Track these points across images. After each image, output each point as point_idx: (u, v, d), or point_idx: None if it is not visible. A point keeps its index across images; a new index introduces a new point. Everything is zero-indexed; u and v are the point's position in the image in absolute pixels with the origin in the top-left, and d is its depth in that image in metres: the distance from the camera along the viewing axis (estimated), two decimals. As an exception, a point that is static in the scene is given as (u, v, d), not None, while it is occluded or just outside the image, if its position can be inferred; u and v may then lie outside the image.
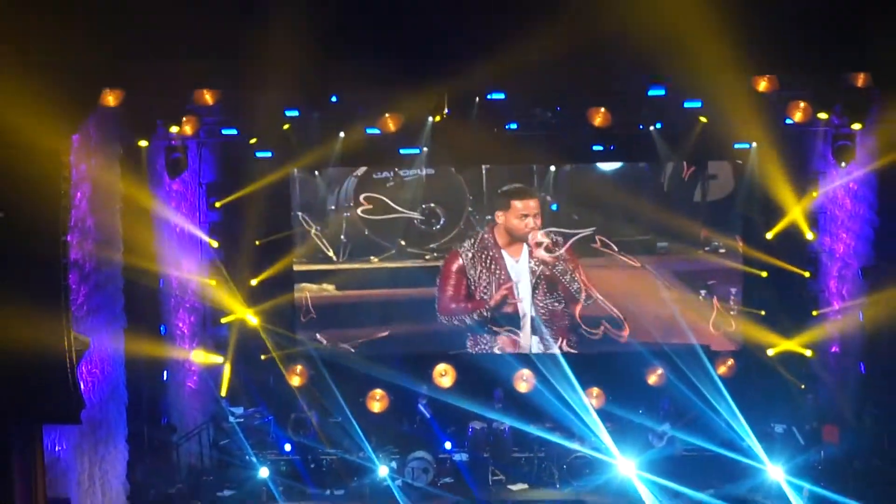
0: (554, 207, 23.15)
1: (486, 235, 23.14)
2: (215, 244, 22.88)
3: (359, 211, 23.19)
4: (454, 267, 23.28)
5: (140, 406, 20.10)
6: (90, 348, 16.38)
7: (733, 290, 23.22)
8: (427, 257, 23.37)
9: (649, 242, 23.15)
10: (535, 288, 23.16)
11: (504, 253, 23.13)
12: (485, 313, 23.22)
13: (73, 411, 14.65)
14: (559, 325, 23.28)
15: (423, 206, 23.29)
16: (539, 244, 22.90)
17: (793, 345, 22.26)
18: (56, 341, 14.18)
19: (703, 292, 23.21)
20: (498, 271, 23.16)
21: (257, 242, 22.88)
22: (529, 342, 23.31)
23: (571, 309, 23.22)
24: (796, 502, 18.96)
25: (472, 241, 23.20)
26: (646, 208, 22.83)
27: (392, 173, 23.19)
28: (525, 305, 23.23)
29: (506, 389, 22.68)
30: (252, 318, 22.83)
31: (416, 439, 22.03)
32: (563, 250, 23.02)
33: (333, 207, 23.34)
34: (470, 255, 23.16)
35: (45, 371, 14.08)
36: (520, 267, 23.15)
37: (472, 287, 23.22)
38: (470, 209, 23.26)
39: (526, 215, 22.92)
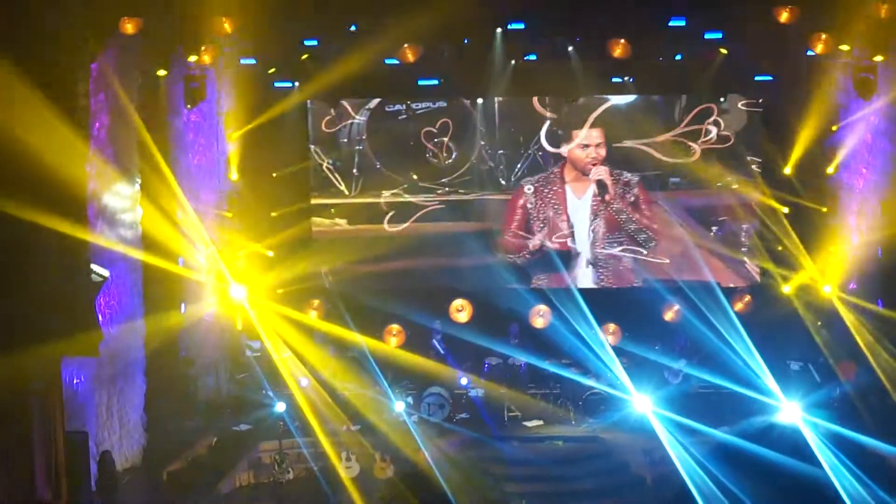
0: (566, 142, 23.04)
1: (555, 170, 23.00)
2: (235, 175, 22.73)
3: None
4: (519, 203, 23.19)
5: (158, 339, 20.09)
6: (108, 280, 16.32)
7: (745, 227, 23.12)
8: (439, 191, 23.21)
9: (661, 177, 23.01)
10: (593, 227, 23.05)
11: (568, 189, 22.99)
12: (536, 252, 23.14)
13: (91, 343, 14.59)
14: (618, 268, 23.25)
15: (436, 139, 23.10)
16: (598, 182, 22.78)
17: (810, 281, 22.12)
18: (75, 273, 14.11)
19: (714, 228, 23.09)
20: (557, 206, 23.01)
21: (274, 175, 22.74)
22: (585, 281, 23.27)
23: (633, 251, 23.12)
24: (812, 439, 18.86)
25: (540, 174, 23.06)
26: (658, 142, 22.61)
27: (405, 106, 23.04)
28: (581, 245, 23.17)
29: (522, 325, 22.60)
30: (269, 252, 22.76)
31: (432, 375, 21.96)
32: (634, 192, 22.90)
33: (346, 140, 23.19)
34: (532, 189, 23.00)
35: (65, 304, 14.01)
36: (581, 204, 22.98)
37: (531, 221, 23.10)
38: (482, 143, 23.10)
39: (587, 145, 22.76)
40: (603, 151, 22.72)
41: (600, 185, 22.72)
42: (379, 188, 23.25)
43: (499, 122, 23.13)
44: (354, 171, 23.17)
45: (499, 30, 20.27)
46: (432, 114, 23.10)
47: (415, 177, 23.23)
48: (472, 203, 23.31)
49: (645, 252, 23.04)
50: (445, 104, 23.05)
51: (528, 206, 23.03)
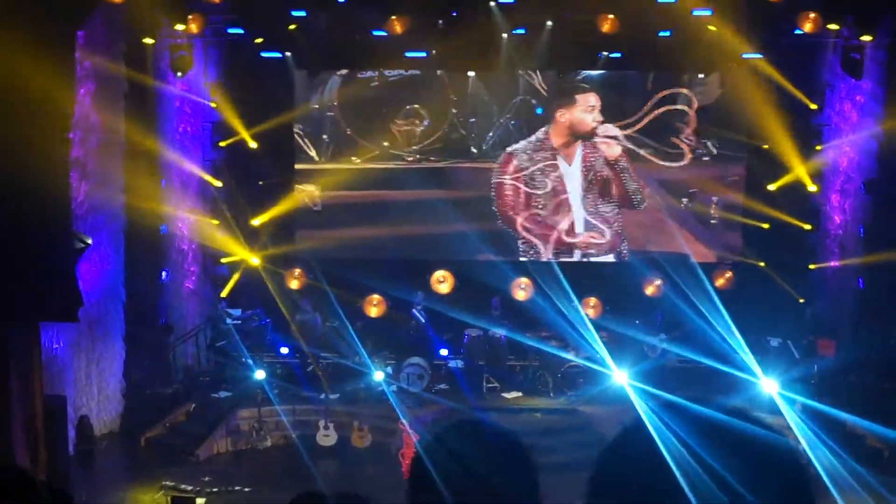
0: (539, 111, 23.06)
1: (542, 136, 22.94)
2: (223, 143, 22.75)
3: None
4: (509, 169, 23.11)
5: (138, 305, 20.08)
6: (90, 247, 16.29)
7: (714, 199, 23.08)
8: (409, 159, 23.18)
9: (630, 150, 22.98)
10: (586, 191, 23.08)
11: (559, 156, 22.97)
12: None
13: (71, 309, 14.53)
14: (613, 230, 23.26)
15: (408, 107, 23.06)
16: (612, 136, 22.75)
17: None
18: (56, 239, 14.06)
19: (685, 200, 23.09)
20: (552, 173, 23.01)
21: (253, 145, 22.52)
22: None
23: (625, 212, 23.25)
24: (789, 415, 18.93)
25: (527, 142, 22.99)
26: (630, 113, 22.67)
27: (377, 73, 22.93)
28: (576, 211, 23.16)
29: (503, 297, 22.53)
30: (255, 221, 22.71)
31: (411, 345, 21.97)
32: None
33: (317, 106, 23.12)
34: (525, 156, 23.00)
35: (45, 269, 13.96)
36: (572, 171, 23.00)
37: (528, 190, 23.09)
38: (454, 111, 23.05)
39: (593, 107, 22.68)
40: (600, 116, 22.70)
41: (615, 137, 22.73)
42: (349, 154, 23.14)
43: (471, 91, 23.10)
44: (325, 136, 23.09)
45: (492, 3, 20.22)
46: (404, 81, 22.99)
47: (386, 144, 23.11)
48: (444, 171, 23.26)
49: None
50: (419, 72, 22.95)
51: (522, 172, 23.02)
